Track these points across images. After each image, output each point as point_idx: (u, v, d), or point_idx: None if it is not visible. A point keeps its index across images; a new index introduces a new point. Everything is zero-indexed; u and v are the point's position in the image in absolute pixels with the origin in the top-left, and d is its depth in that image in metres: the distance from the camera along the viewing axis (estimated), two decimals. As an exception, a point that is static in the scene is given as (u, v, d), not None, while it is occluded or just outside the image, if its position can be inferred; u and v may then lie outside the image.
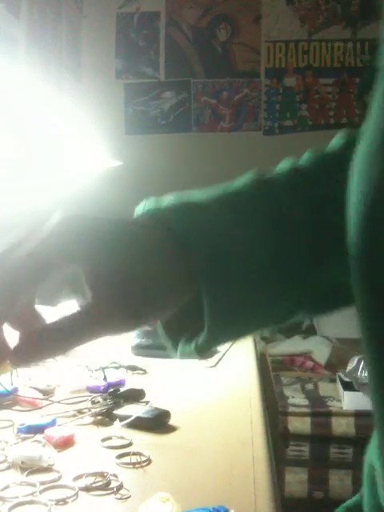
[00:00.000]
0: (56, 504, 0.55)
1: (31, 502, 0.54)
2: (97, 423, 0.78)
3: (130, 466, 0.64)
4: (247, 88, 2.53)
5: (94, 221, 0.40)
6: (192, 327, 0.42)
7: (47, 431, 0.71)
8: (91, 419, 0.79)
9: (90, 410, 0.80)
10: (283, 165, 0.50)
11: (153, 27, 2.53)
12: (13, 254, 0.38)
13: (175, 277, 0.39)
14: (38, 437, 0.71)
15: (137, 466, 0.64)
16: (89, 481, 0.60)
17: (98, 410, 0.80)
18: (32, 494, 0.56)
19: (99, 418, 0.79)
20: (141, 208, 0.46)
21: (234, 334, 0.42)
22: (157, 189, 2.36)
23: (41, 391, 0.90)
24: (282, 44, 2.51)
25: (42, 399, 0.87)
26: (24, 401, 0.87)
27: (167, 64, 2.53)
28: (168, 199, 0.44)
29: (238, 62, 2.53)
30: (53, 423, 0.75)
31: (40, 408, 0.85)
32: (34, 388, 0.91)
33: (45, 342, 0.37)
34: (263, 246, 0.41)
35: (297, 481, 1.94)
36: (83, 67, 2.43)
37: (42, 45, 1.79)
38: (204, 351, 0.41)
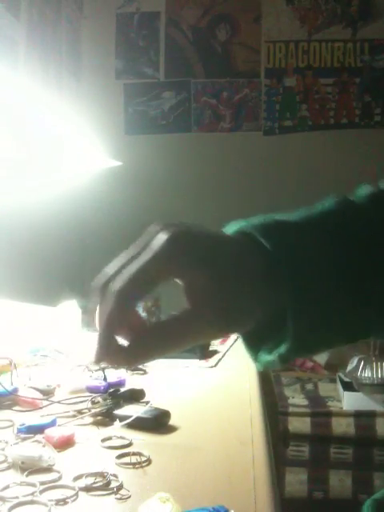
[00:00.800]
0: (56, 504, 0.55)
1: (31, 502, 0.54)
2: (97, 423, 0.78)
3: (130, 466, 0.64)
4: (247, 88, 2.53)
5: (194, 237, 0.43)
6: (272, 339, 0.45)
7: (47, 431, 0.71)
8: (91, 419, 0.79)
9: (89, 410, 0.80)
10: (363, 190, 0.53)
11: (153, 27, 2.53)
12: (128, 268, 0.43)
13: (264, 290, 0.43)
14: (38, 437, 0.71)
15: (137, 466, 0.64)
16: (89, 481, 0.60)
17: (97, 410, 0.80)
18: (32, 493, 0.56)
19: (99, 418, 0.79)
20: (232, 227, 0.50)
21: (314, 348, 0.45)
22: (157, 189, 2.37)
23: (41, 391, 0.90)
24: (282, 44, 2.51)
25: (42, 399, 0.87)
26: (24, 401, 0.87)
27: (167, 64, 2.54)
28: (257, 218, 0.49)
29: (238, 62, 2.53)
30: (53, 423, 0.76)
31: (40, 408, 0.85)
32: (34, 388, 0.91)
33: (152, 342, 0.41)
34: (349, 267, 0.44)
35: (297, 481, 1.94)
36: (83, 67, 2.43)
37: (41, 45, 1.79)
38: (286, 361, 0.44)
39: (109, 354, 0.41)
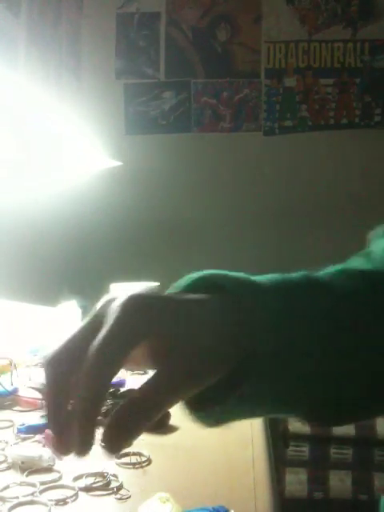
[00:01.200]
0: (56, 504, 0.55)
1: (31, 502, 0.54)
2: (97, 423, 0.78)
3: (130, 466, 0.64)
4: (247, 88, 2.53)
5: (153, 298, 0.41)
6: (217, 399, 0.43)
7: (47, 431, 0.71)
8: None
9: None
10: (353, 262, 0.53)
11: (153, 27, 2.53)
12: (92, 348, 0.38)
13: (230, 346, 0.41)
14: (38, 437, 0.71)
15: (137, 466, 0.64)
16: (89, 481, 0.60)
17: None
18: (32, 494, 0.55)
19: (99, 418, 0.79)
20: (187, 279, 0.48)
21: (253, 414, 0.45)
22: (157, 189, 2.37)
23: (41, 391, 0.90)
24: (282, 44, 2.51)
25: (42, 399, 0.87)
26: (24, 401, 0.87)
27: (167, 64, 2.53)
28: (227, 274, 0.47)
29: (238, 63, 2.53)
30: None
31: (40, 408, 0.84)
32: (34, 388, 0.91)
33: (130, 420, 0.38)
34: (324, 345, 0.43)
35: (297, 481, 1.94)
36: (83, 67, 2.43)
37: (41, 45, 1.79)
38: (219, 424, 0.44)
39: (89, 448, 0.38)
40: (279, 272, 0.56)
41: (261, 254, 2.42)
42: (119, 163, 1.94)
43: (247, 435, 0.69)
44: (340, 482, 1.93)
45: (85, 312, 1.38)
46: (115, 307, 0.39)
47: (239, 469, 0.56)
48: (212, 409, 0.43)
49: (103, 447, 0.38)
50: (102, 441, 0.38)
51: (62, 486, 0.59)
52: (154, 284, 1.26)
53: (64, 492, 0.58)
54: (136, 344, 0.38)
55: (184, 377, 0.39)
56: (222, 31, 2.53)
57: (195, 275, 0.47)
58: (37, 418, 0.77)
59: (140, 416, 0.38)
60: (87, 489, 0.58)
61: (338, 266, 0.52)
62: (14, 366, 0.93)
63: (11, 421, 0.78)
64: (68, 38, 2.17)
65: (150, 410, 0.38)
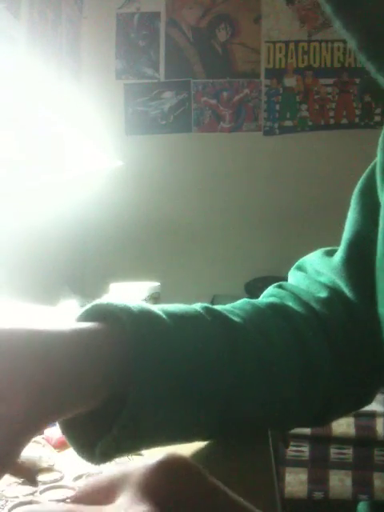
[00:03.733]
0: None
1: (31, 503, 0.54)
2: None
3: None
4: (247, 88, 2.53)
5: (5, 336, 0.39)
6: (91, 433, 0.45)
7: (47, 432, 0.71)
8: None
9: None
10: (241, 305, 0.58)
11: (153, 27, 2.53)
12: None
13: (96, 382, 0.42)
14: (38, 437, 0.71)
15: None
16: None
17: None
18: (32, 494, 0.56)
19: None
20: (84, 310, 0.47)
21: (138, 447, 0.47)
22: (157, 189, 2.37)
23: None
24: (282, 44, 2.51)
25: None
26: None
27: (167, 64, 2.54)
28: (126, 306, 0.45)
29: (238, 63, 2.53)
30: (53, 424, 0.75)
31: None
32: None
33: None
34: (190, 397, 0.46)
35: (297, 481, 1.94)
36: (83, 67, 2.43)
37: (41, 45, 1.79)
38: (109, 459, 0.46)
39: None
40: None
41: (261, 254, 2.42)
42: (119, 163, 1.94)
43: (247, 435, 0.69)
44: (340, 482, 1.93)
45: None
46: None
47: (239, 469, 0.56)
48: (92, 450, 0.44)
49: None
50: None
51: (62, 486, 0.59)
52: (154, 284, 1.26)
53: (64, 492, 0.58)
54: None
55: (19, 424, 0.37)
56: (222, 31, 2.53)
57: (88, 306, 0.46)
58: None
59: None
60: (87, 489, 0.58)
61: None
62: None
63: (11, 421, 0.78)
64: (68, 38, 2.17)
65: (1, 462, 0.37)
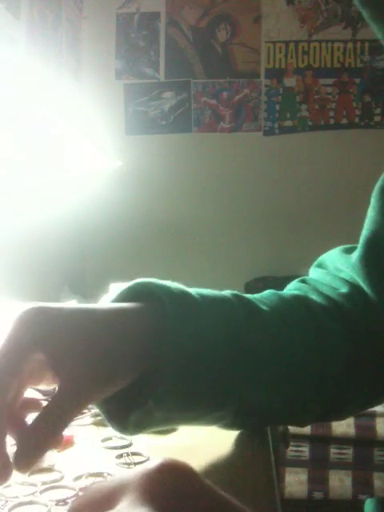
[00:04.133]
0: (56, 504, 0.55)
1: (31, 502, 0.54)
2: (97, 423, 0.78)
3: (130, 467, 0.64)
4: (247, 88, 2.53)
5: (47, 310, 0.43)
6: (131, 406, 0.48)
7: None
8: (91, 419, 0.79)
9: (90, 410, 0.80)
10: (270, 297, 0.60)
11: (153, 27, 2.53)
12: None
13: (139, 355, 0.46)
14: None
15: (136, 466, 0.64)
16: (89, 481, 0.60)
17: (98, 410, 0.80)
18: (32, 494, 0.56)
19: (99, 418, 0.79)
20: (122, 287, 0.51)
21: (170, 422, 0.52)
22: (157, 189, 2.37)
23: (41, 391, 0.90)
24: (282, 44, 2.51)
25: (42, 399, 0.87)
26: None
27: (167, 64, 2.54)
28: (167, 285, 0.50)
29: (238, 63, 2.53)
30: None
31: (40, 408, 0.84)
32: (34, 388, 0.91)
33: (39, 436, 0.40)
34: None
35: (297, 481, 1.94)
36: (83, 68, 2.43)
37: (41, 45, 1.79)
38: (139, 431, 0.50)
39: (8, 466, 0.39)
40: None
41: (260, 254, 2.42)
42: (119, 163, 1.94)
43: (247, 435, 0.69)
44: (340, 482, 1.93)
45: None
46: (11, 322, 0.42)
47: (239, 469, 0.56)
48: (127, 417, 0.47)
49: (15, 463, 0.39)
50: (15, 457, 0.39)
51: (62, 487, 0.59)
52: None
53: (64, 492, 0.58)
54: (23, 358, 0.40)
55: (81, 385, 0.41)
56: (222, 31, 2.53)
57: (130, 283, 0.50)
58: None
59: (50, 429, 0.40)
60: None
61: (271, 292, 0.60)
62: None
63: (11, 421, 0.78)
64: (68, 38, 2.17)
65: (58, 419, 0.40)
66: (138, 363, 0.45)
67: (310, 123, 2.51)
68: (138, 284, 0.49)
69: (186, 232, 2.46)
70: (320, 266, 0.69)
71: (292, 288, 0.66)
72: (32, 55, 1.66)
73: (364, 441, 1.90)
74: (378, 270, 0.60)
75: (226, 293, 0.54)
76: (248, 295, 0.57)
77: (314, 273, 0.69)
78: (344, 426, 1.89)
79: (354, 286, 0.61)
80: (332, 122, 2.51)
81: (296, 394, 0.56)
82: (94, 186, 2.23)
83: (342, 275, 0.64)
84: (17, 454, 0.39)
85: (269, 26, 2.50)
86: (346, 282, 0.62)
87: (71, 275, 2.24)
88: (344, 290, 0.61)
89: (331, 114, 2.51)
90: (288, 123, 2.51)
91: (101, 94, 2.44)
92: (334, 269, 0.66)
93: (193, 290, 0.51)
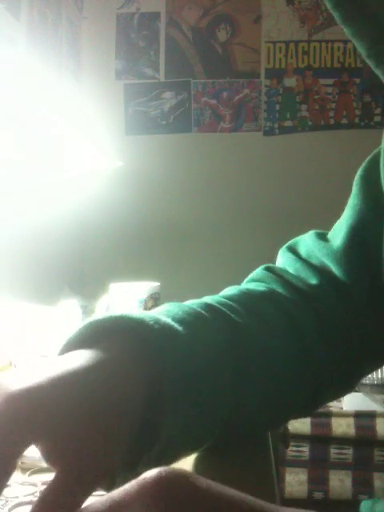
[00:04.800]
0: (56, 504, 0.55)
1: (31, 503, 0.54)
2: None
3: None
4: (247, 88, 2.53)
5: (46, 390, 0.36)
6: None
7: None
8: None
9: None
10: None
11: (153, 27, 2.53)
12: None
13: (137, 403, 0.41)
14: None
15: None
16: (89, 481, 0.60)
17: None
18: (32, 494, 0.56)
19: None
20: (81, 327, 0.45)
21: (179, 456, 0.49)
22: (157, 189, 2.38)
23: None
24: (282, 44, 2.51)
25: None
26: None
27: (167, 64, 2.54)
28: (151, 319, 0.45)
29: (238, 63, 2.53)
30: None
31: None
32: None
33: None
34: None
35: (297, 481, 1.94)
36: (83, 68, 2.43)
37: (41, 45, 1.79)
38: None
39: None
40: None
41: (260, 254, 2.41)
42: (119, 163, 1.94)
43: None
44: (340, 482, 1.93)
45: (85, 312, 1.38)
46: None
47: (239, 469, 0.56)
48: (136, 465, 0.43)
49: None
50: None
51: (62, 486, 0.59)
52: (154, 284, 1.26)
53: (64, 492, 0.58)
54: (18, 454, 0.33)
55: (82, 477, 0.34)
56: (222, 31, 2.53)
57: (88, 322, 0.44)
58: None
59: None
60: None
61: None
62: (14, 366, 0.93)
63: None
64: (68, 39, 2.17)
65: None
66: (137, 412, 0.41)
67: (310, 123, 2.51)
68: (108, 318, 0.44)
69: (186, 232, 2.46)
70: (290, 249, 0.67)
71: (256, 278, 0.64)
72: (32, 55, 1.66)
73: (364, 441, 1.90)
74: (362, 257, 0.59)
75: (200, 307, 0.51)
76: (216, 300, 0.54)
77: (282, 257, 0.67)
78: (344, 426, 1.89)
79: (324, 276, 0.60)
80: (332, 122, 2.51)
81: (277, 402, 0.54)
82: (94, 186, 2.23)
83: (313, 261, 0.62)
84: None
85: (269, 26, 2.50)
86: (317, 270, 0.61)
87: (71, 275, 2.24)
88: (314, 281, 0.60)
89: (331, 114, 2.51)
90: (288, 123, 2.51)
91: (101, 94, 2.44)
92: (306, 254, 0.65)
93: (170, 319, 0.46)
